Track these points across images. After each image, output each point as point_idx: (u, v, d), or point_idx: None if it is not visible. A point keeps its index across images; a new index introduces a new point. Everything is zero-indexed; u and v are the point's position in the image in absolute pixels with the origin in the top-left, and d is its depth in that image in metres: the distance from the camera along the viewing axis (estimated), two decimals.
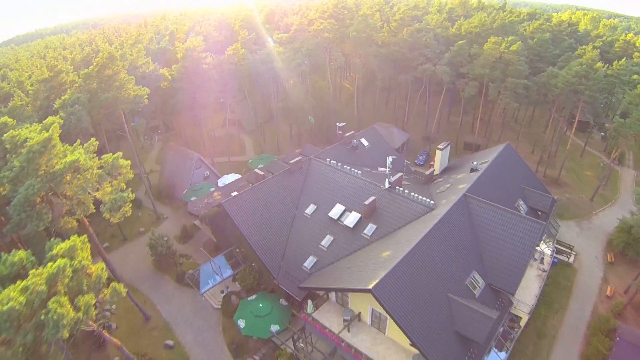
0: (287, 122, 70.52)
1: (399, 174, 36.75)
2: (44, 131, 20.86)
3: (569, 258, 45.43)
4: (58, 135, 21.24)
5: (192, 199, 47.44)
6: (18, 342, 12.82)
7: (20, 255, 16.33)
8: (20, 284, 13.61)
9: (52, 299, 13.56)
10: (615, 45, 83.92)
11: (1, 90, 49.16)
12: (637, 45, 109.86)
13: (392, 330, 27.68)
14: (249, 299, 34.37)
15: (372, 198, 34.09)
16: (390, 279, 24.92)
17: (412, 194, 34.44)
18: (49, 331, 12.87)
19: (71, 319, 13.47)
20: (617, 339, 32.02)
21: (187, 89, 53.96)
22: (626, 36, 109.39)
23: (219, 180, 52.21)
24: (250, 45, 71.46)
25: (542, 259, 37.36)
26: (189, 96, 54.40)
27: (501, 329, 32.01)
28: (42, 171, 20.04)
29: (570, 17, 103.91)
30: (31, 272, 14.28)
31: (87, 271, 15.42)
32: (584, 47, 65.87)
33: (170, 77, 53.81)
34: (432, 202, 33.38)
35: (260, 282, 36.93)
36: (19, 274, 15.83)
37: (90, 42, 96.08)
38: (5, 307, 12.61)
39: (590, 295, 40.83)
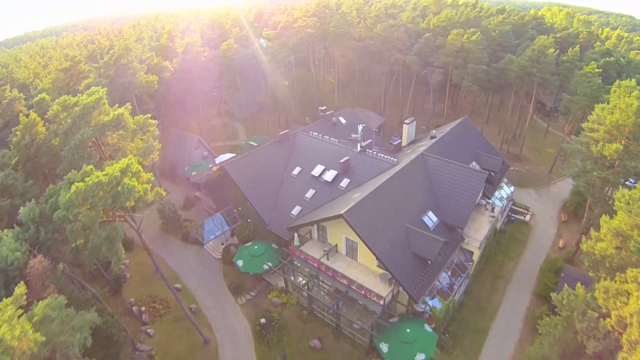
0: (275, 111, 77.34)
1: (369, 140, 43.77)
2: (95, 93, 27.34)
3: (525, 217, 52.56)
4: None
5: (193, 173, 53.83)
6: (99, 205, 18.97)
7: (90, 167, 22.50)
8: (103, 172, 19.90)
9: (126, 178, 19.99)
10: (580, 37, 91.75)
11: (18, 81, 55.39)
12: (612, 38, 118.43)
13: (363, 256, 34.40)
14: (245, 245, 40.92)
15: (346, 158, 40.97)
16: (358, 208, 31.71)
17: (379, 154, 41.38)
18: (123, 196, 19.15)
19: (137, 192, 19.97)
20: (562, 275, 38.10)
21: (187, 79, 60.63)
22: (603, 31, 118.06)
23: (216, 159, 58.51)
24: (242, 42, 78.28)
25: (493, 208, 44.19)
26: (190, 86, 61.04)
27: (455, 260, 38.84)
28: (93, 123, 26.42)
29: (536, 12, 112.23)
30: (107, 167, 20.61)
31: (141, 175, 21.84)
32: (541, 36, 73.62)
33: (172, 69, 60.34)
34: (395, 159, 40.32)
35: (255, 235, 43.51)
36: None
37: (91, 41, 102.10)
38: (95, 180, 18.91)
39: (544, 247, 46.96)
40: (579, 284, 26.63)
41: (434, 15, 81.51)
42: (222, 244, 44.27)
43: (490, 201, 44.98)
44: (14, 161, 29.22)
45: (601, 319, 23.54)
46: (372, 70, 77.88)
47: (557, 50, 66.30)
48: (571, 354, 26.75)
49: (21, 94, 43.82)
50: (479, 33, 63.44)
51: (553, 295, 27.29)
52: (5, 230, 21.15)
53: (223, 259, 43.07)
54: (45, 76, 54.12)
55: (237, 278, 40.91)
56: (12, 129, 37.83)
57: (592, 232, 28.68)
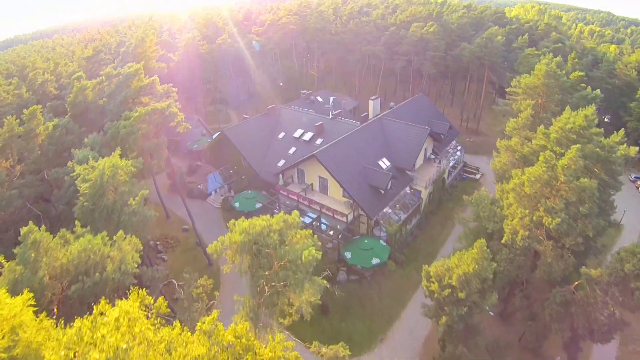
0: (263, 99, 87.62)
1: (339, 110, 54.31)
2: (132, 66, 37.33)
3: (475, 176, 63.20)
4: None
5: (195, 146, 63.77)
6: (154, 123, 29.00)
7: (140, 107, 32.39)
8: (156, 104, 29.80)
9: (169, 110, 30.19)
10: (539, 28, 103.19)
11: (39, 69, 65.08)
12: (585, 32, 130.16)
13: (332, 190, 44.60)
14: (241, 193, 51.00)
15: (320, 122, 51.40)
16: (327, 150, 42.14)
17: (346, 119, 51.88)
18: (170, 117, 29.33)
19: (177, 117, 30.31)
20: None
21: (187, 69, 70.64)
22: (577, 26, 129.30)
23: (213, 136, 68.43)
24: (232, 38, 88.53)
25: (440, 161, 54.56)
26: (189, 75, 71.09)
27: (406, 197, 49.07)
28: (133, 86, 36.39)
29: (497, 8, 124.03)
30: (154, 103, 30.54)
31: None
32: (493, 27, 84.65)
33: (176, 60, 70.33)
34: (359, 123, 50.83)
35: (248, 187, 53.50)
36: None
37: (91, 40, 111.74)
38: (152, 107, 29.13)
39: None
40: (483, 188, 37.26)
41: (402, 12, 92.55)
42: (222, 195, 54.21)
43: (439, 156, 55.70)
44: (67, 117, 39.02)
45: (498, 209, 34.14)
46: (348, 63, 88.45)
47: (504, 38, 77.45)
48: None
49: (52, 77, 53.50)
50: (435, 25, 74.45)
51: (465, 197, 37.78)
52: (76, 150, 30.83)
53: (222, 207, 52.93)
54: (66, 64, 63.55)
55: (235, 219, 50.66)
56: (46, 105, 47.73)
57: (494, 153, 39.42)
